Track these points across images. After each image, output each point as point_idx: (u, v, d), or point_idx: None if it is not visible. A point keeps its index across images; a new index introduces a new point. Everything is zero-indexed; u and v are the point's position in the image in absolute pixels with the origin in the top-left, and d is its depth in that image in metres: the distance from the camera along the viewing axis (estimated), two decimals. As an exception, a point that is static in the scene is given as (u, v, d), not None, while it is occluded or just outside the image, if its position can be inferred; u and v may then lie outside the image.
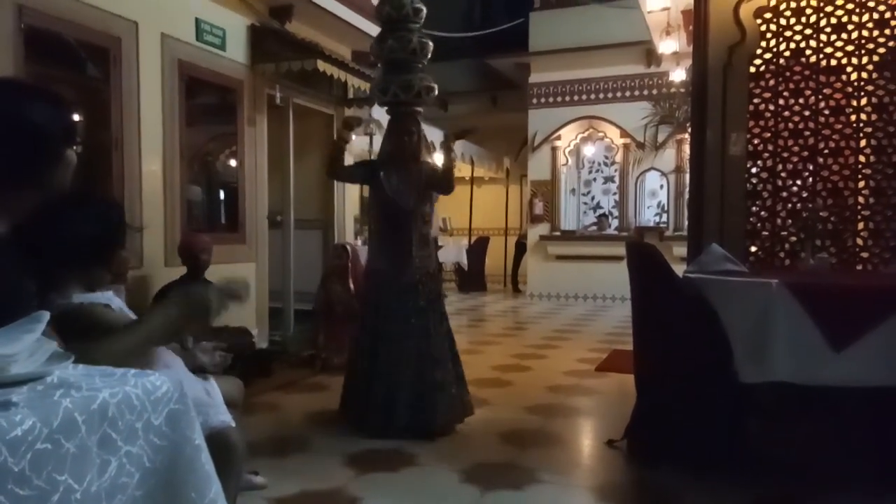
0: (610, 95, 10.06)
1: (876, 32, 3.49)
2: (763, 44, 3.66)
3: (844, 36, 3.54)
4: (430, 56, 3.76)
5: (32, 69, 3.66)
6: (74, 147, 1.32)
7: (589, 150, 10.68)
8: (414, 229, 3.67)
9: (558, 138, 10.43)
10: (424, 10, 3.73)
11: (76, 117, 3.93)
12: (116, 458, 0.92)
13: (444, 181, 3.76)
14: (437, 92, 3.78)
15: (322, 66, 5.25)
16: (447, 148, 3.80)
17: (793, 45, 3.63)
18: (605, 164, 10.76)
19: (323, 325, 5.21)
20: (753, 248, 3.71)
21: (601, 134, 10.36)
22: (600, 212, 10.67)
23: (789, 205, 3.65)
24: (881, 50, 3.50)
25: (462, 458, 3.26)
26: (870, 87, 3.54)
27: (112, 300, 1.70)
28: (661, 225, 10.08)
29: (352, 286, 5.23)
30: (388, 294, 3.64)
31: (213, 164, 6.18)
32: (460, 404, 3.69)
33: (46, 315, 1.03)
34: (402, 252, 3.64)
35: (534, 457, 3.24)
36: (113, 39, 4.14)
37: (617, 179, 10.45)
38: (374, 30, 4.15)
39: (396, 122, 3.75)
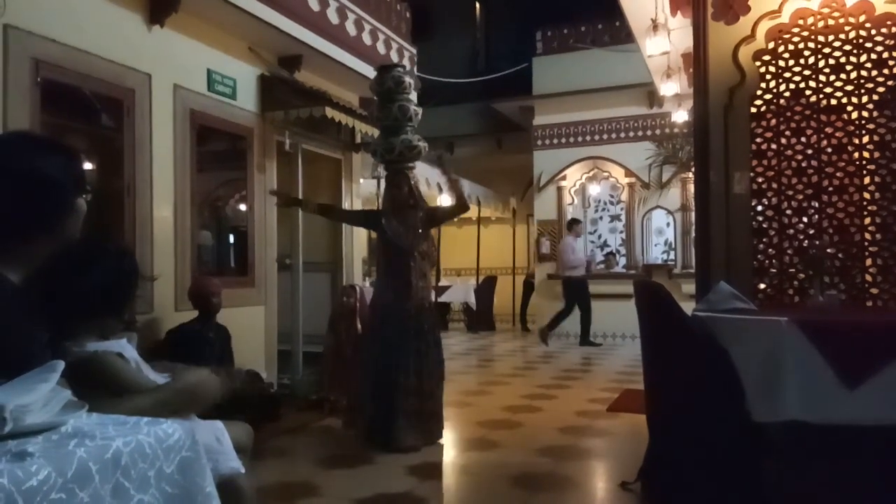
0: (613, 136, 10.18)
1: (875, 72, 3.54)
2: (763, 85, 3.70)
3: (843, 76, 3.59)
4: (415, 120, 4.38)
5: (48, 121, 3.76)
6: (84, 196, 1.34)
7: (594, 190, 10.75)
8: (413, 264, 4.24)
9: (564, 178, 10.51)
10: (407, 80, 4.40)
11: (86, 166, 4.01)
12: (129, 507, 0.92)
13: (454, 208, 4.63)
14: (420, 149, 4.34)
15: (330, 112, 5.36)
16: (443, 170, 4.87)
17: (792, 86, 3.67)
18: (611, 203, 10.80)
19: (332, 368, 5.19)
20: (762, 286, 3.69)
21: (606, 173, 10.44)
22: (607, 250, 10.68)
23: (796, 242, 3.65)
24: (881, 89, 3.53)
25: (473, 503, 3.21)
26: (871, 126, 3.57)
27: (125, 348, 1.73)
28: (669, 262, 10.07)
29: (359, 327, 5.22)
30: (390, 320, 4.16)
31: (223, 209, 6.26)
32: (437, 422, 4.20)
33: (61, 364, 1.05)
34: (403, 283, 4.21)
35: (546, 501, 3.19)
36: (127, 91, 4.26)
37: (623, 218, 10.48)
38: (380, 77, 4.37)
39: (391, 177, 4.44)
